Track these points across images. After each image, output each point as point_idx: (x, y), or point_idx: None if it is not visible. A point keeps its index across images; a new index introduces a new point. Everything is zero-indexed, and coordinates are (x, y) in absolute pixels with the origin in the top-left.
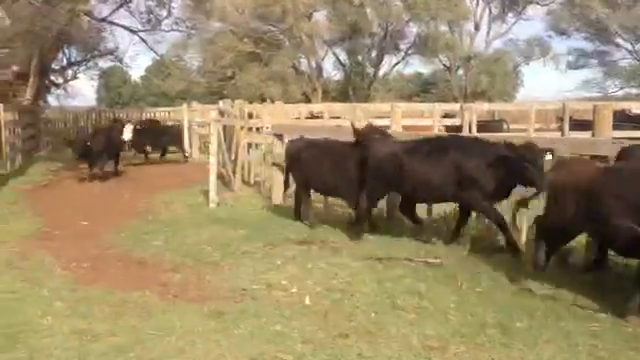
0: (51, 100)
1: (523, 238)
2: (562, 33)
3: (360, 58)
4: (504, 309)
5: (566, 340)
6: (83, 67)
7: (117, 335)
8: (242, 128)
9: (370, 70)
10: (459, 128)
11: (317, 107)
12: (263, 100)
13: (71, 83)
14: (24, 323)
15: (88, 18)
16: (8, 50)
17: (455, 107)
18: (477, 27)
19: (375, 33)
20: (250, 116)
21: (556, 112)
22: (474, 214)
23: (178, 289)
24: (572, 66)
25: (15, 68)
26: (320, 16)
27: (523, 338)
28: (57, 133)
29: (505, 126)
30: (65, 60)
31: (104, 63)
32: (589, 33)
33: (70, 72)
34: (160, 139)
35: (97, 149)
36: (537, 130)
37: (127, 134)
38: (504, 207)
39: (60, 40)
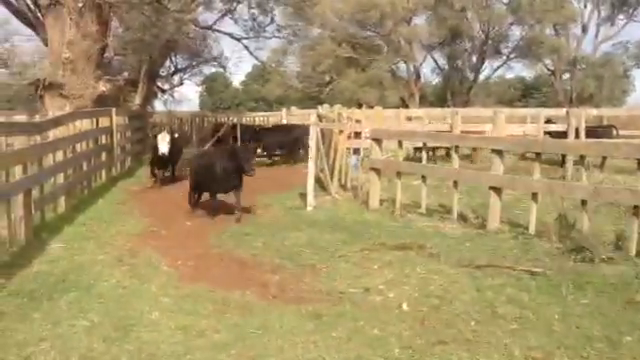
0: (158, 105)
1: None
2: None
3: (459, 63)
4: (612, 322)
5: None
6: (188, 73)
7: (220, 332)
8: (341, 132)
9: (470, 75)
10: (564, 134)
11: (416, 112)
12: (359, 105)
13: (177, 89)
14: (134, 317)
15: (194, 26)
16: (121, 57)
17: (561, 112)
18: (585, 30)
19: (476, 37)
20: (349, 120)
21: None
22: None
23: (277, 290)
24: None
25: (126, 74)
26: (419, 20)
27: (632, 353)
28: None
29: (615, 132)
30: (172, 67)
31: (208, 69)
32: None
33: (176, 78)
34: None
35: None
36: None
37: (164, 146)
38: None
39: (168, 48)
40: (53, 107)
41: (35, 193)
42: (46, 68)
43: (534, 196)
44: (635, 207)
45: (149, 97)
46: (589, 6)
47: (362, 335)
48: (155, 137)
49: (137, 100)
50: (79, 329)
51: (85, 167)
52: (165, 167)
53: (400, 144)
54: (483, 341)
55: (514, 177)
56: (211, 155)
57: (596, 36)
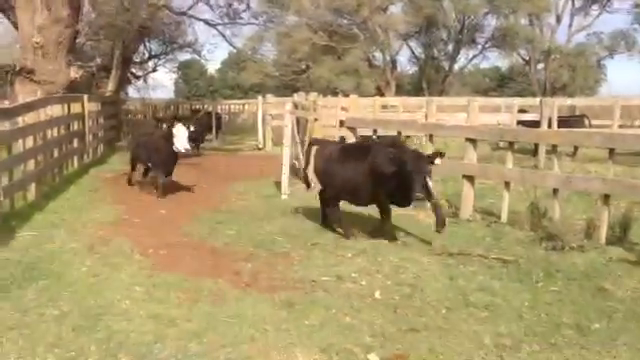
0: (132, 92)
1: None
2: None
3: (435, 52)
4: (581, 309)
5: None
6: (163, 60)
7: (191, 321)
8: (316, 120)
9: (445, 64)
10: (537, 123)
11: (391, 101)
12: (335, 94)
13: (151, 75)
14: (104, 306)
15: (168, 12)
16: (93, 43)
17: (535, 102)
18: (559, 20)
19: (451, 26)
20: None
21: None
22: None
23: (250, 278)
24: None
25: (98, 60)
26: (395, 9)
27: (600, 340)
28: (137, 124)
29: (587, 122)
30: (146, 53)
31: (182, 56)
32: None
33: (150, 64)
34: None
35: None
36: (621, 127)
37: (184, 141)
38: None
39: (141, 33)
40: (23, 93)
41: (4, 180)
42: (16, 53)
43: (507, 185)
44: (606, 196)
45: (122, 83)
46: None
47: (334, 323)
48: (169, 129)
49: (110, 86)
50: (48, 318)
51: (56, 154)
52: (171, 169)
53: (375, 132)
54: (454, 328)
55: (487, 166)
56: (360, 154)
57: (570, 26)
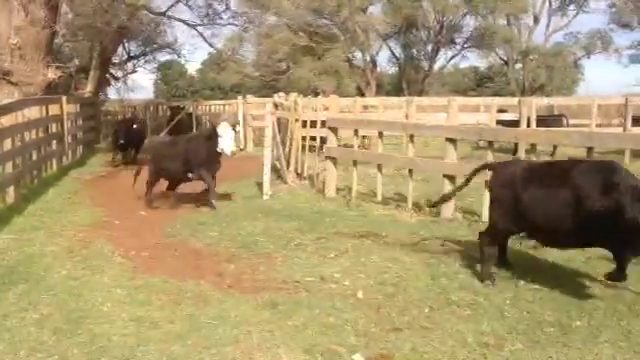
0: (111, 93)
1: None
2: (625, 26)
3: (415, 52)
4: (562, 307)
5: (627, 340)
6: (142, 61)
7: (174, 323)
8: (297, 121)
9: (425, 64)
10: (516, 123)
11: (371, 101)
12: (316, 94)
13: (131, 76)
14: (85, 309)
15: (147, 12)
16: (71, 44)
17: (514, 101)
18: (536, 20)
19: (431, 27)
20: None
21: (618, 107)
22: None
23: (233, 279)
24: (635, 60)
25: (77, 61)
26: (375, 9)
27: (582, 337)
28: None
29: (565, 121)
30: (125, 54)
31: (162, 57)
32: None
33: (130, 65)
34: None
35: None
36: (598, 125)
37: (229, 142)
38: None
39: (120, 34)
40: (1, 95)
41: None
42: None
43: (487, 184)
44: None
45: (101, 85)
46: None
47: (318, 323)
48: (214, 130)
49: (89, 87)
50: (28, 322)
51: (35, 156)
52: (212, 174)
53: (356, 133)
54: (437, 327)
55: (467, 165)
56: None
57: (547, 26)
